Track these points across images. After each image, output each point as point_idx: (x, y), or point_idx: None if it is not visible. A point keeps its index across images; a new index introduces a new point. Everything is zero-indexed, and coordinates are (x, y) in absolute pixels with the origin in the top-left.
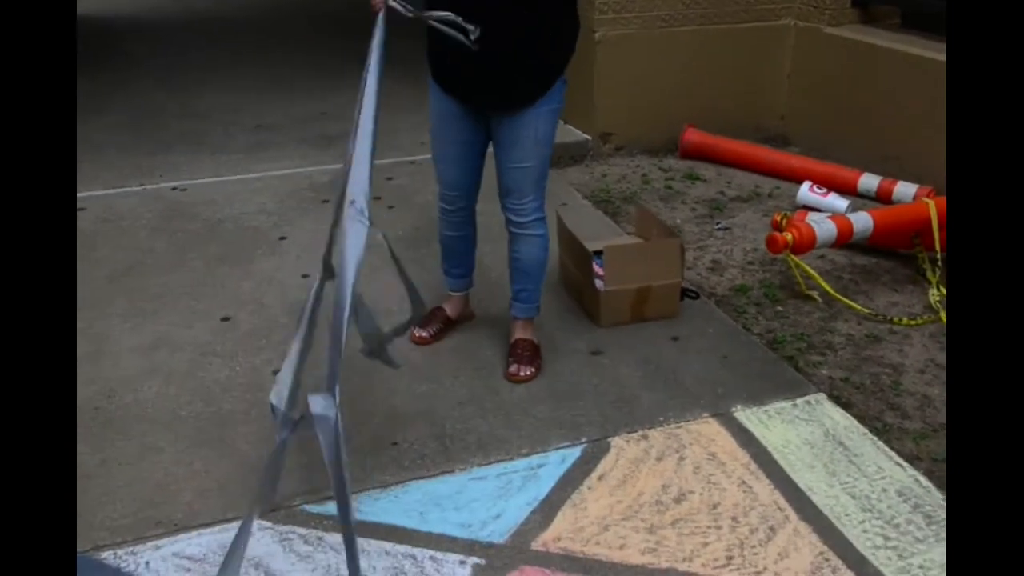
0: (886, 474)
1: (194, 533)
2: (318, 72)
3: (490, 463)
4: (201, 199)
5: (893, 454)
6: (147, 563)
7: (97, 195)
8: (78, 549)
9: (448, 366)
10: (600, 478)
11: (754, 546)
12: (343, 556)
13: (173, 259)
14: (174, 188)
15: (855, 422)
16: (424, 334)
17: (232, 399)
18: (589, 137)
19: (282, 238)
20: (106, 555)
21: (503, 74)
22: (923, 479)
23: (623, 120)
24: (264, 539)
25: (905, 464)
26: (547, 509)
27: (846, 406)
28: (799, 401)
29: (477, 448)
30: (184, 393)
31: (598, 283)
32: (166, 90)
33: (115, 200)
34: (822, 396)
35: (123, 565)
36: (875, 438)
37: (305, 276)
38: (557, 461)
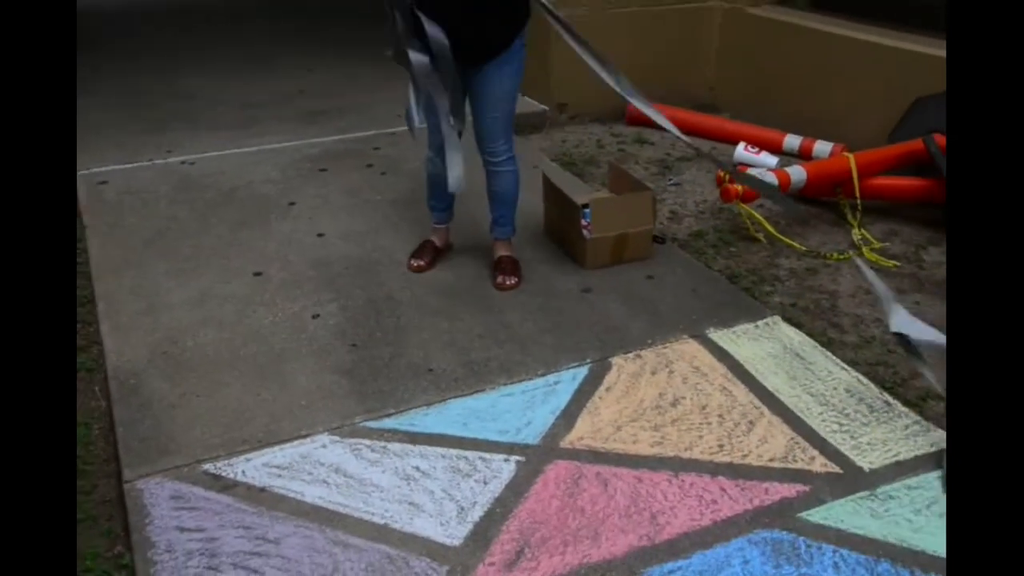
0: (835, 376)
1: (276, 448)
2: (291, 52)
3: (514, 382)
4: (209, 171)
5: (839, 360)
6: (243, 471)
7: (113, 170)
8: (178, 463)
9: (464, 307)
10: (607, 390)
11: (739, 436)
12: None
13: (197, 225)
14: (182, 162)
15: (806, 337)
16: (421, 263)
17: (282, 340)
18: (547, 107)
19: (292, 203)
20: (207, 467)
21: (476, 29)
22: (863, 379)
23: (576, 91)
24: (336, 450)
25: (848, 368)
26: (568, 416)
27: (797, 325)
28: (759, 323)
29: (500, 371)
30: (237, 337)
31: (585, 232)
32: (149, 72)
33: (132, 174)
34: (777, 318)
35: (223, 474)
36: (823, 349)
37: (320, 235)
38: (569, 379)
